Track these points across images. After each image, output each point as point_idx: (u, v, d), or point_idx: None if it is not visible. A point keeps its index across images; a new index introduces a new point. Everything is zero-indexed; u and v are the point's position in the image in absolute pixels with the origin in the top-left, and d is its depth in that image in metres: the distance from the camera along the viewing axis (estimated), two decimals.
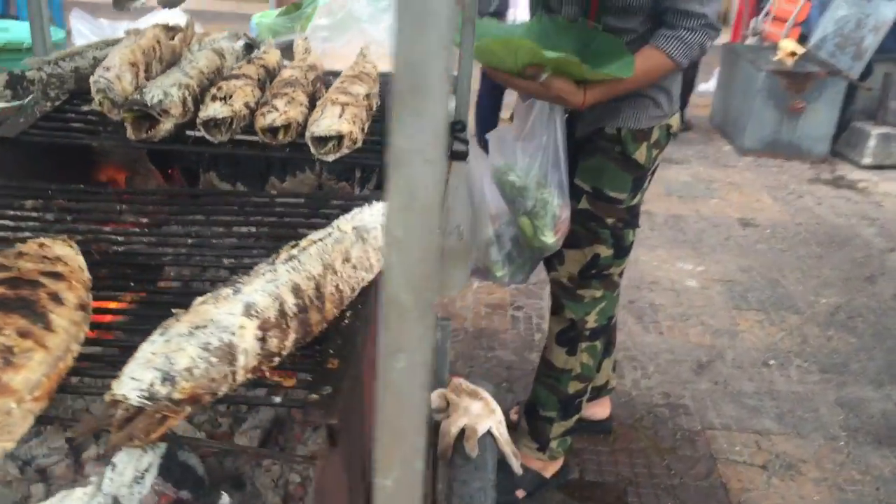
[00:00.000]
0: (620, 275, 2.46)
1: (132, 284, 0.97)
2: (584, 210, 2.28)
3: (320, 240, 0.91)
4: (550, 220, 2.24)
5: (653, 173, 2.33)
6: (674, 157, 5.78)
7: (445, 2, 0.45)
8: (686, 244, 4.42)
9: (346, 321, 0.91)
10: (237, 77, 1.44)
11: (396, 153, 0.47)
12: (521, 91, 2.07)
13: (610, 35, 2.07)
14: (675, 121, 2.26)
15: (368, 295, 0.96)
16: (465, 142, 1.95)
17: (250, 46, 1.74)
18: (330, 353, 0.85)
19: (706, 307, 3.76)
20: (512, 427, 2.78)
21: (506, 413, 2.87)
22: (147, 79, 1.43)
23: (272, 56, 1.58)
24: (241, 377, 0.77)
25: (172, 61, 1.54)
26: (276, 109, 1.38)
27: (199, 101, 1.41)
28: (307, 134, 1.34)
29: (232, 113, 1.37)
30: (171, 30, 1.57)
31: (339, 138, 1.34)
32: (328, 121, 1.35)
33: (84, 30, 1.95)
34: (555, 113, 2.23)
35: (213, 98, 1.39)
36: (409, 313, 0.51)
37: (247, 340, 0.77)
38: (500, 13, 4.37)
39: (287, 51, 2.23)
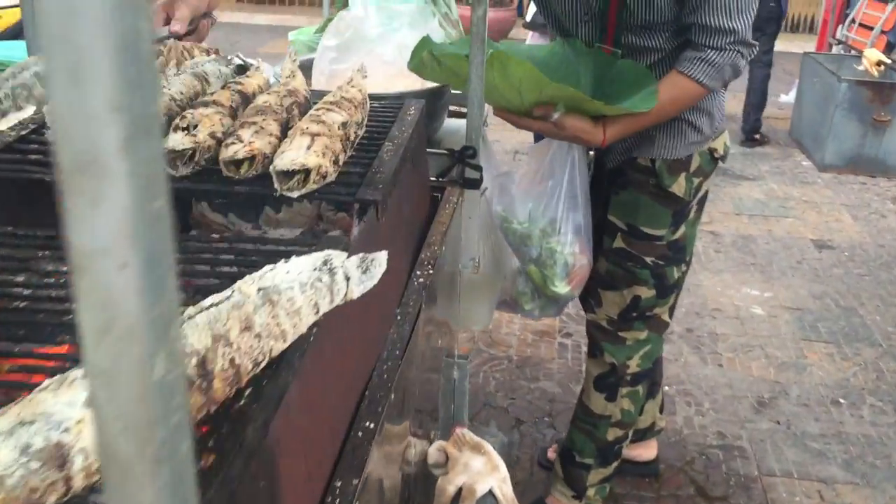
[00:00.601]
0: (670, 314, 2.26)
1: (16, 349, 0.86)
2: (620, 249, 2.10)
3: (213, 305, 0.77)
4: (562, 270, 2.08)
5: (701, 202, 2.12)
6: (746, 173, 5.48)
7: (107, 48, 0.30)
8: (754, 268, 4.15)
9: (243, 401, 0.77)
10: (206, 104, 1.33)
11: (77, 256, 0.33)
12: (535, 131, 1.90)
13: (630, 61, 1.88)
14: (720, 142, 2.05)
15: (282, 367, 0.82)
16: (478, 168, 1.80)
17: (243, 68, 1.63)
18: (209, 445, 0.72)
19: (772, 337, 3.50)
20: (548, 467, 2.61)
21: (543, 450, 2.71)
22: None
23: (253, 80, 1.47)
24: (80, 482, 0.64)
25: None
26: (240, 140, 1.25)
27: (165, 131, 1.30)
28: (271, 167, 1.22)
29: (195, 144, 1.25)
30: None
31: (307, 172, 1.21)
32: (293, 153, 1.22)
33: None
34: (573, 150, 2.06)
35: (176, 128, 1.28)
36: (134, 468, 0.37)
37: (86, 438, 0.64)
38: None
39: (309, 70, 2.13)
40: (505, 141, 5.56)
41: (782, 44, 8.52)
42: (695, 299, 3.76)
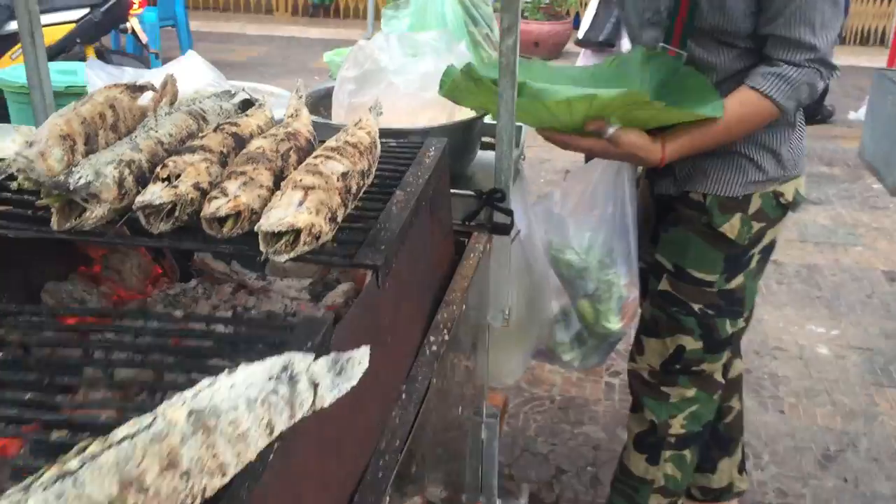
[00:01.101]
0: (723, 373, 2.04)
1: None
2: (665, 292, 1.90)
3: (126, 438, 0.61)
4: (616, 304, 1.88)
5: (765, 253, 1.90)
6: (810, 196, 5.17)
7: None
8: (820, 302, 3.87)
9: None
10: (193, 150, 1.18)
11: None
12: (585, 152, 1.72)
13: (693, 68, 1.70)
14: (790, 188, 1.83)
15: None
16: (508, 212, 1.63)
17: (249, 104, 1.49)
18: None
19: (839, 381, 3.23)
20: None
21: None
22: (91, 151, 1.20)
23: (252, 120, 1.32)
24: None
25: (136, 128, 1.30)
26: (225, 194, 1.10)
27: (147, 180, 1.16)
28: (256, 227, 1.06)
29: (175, 197, 1.11)
30: (137, 89, 1.33)
31: (297, 233, 1.05)
32: (281, 211, 1.06)
33: (100, 82, 1.77)
34: (623, 170, 1.87)
35: (156, 178, 1.13)
36: None
37: None
38: (609, 42, 3.99)
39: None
40: (556, 159, 5.36)
41: (851, 57, 8.18)
42: (754, 336, 3.51)
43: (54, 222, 1.11)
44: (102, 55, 4.99)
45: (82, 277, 1.45)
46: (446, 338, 1.28)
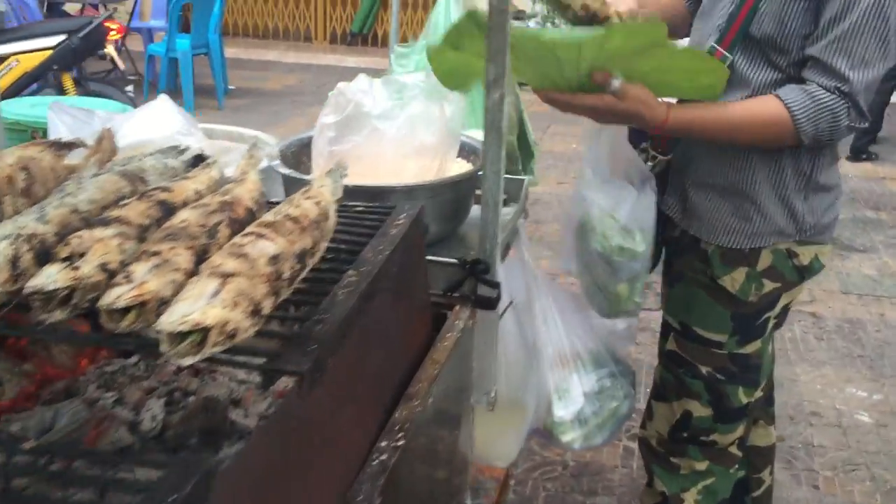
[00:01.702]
0: (739, 445, 1.85)
1: None
2: (672, 352, 1.78)
3: None
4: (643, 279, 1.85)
5: (780, 316, 1.73)
6: (855, 243, 4.91)
7: None
8: (862, 361, 3.60)
9: None
10: (106, 223, 1.02)
11: None
12: (587, 112, 1.55)
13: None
14: (809, 254, 1.65)
15: None
16: (494, 285, 1.44)
17: (200, 159, 1.32)
18: None
19: (880, 454, 2.97)
20: None
21: None
22: None
23: (189, 184, 1.15)
24: None
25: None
26: (129, 280, 0.93)
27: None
28: (154, 324, 0.89)
29: (74, 281, 0.94)
30: (63, 146, 1.18)
31: (205, 331, 0.88)
32: (186, 305, 0.89)
33: (63, 126, 1.63)
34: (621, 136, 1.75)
35: (55, 258, 0.97)
36: None
37: None
38: None
39: None
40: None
41: None
42: (789, 398, 3.26)
43: None
44: (80, 83, 4.92)
45: (8, 352, 1.30)
46: (400, 444, 1.09)
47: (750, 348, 1.74)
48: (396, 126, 1.58)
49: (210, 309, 0.89)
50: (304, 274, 1.06)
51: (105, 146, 1.24)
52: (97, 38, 5.00)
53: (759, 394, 1.82)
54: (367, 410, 1.11)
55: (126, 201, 1.08)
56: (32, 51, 4.66)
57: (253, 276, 0.95)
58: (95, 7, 8.03)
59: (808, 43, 1.50)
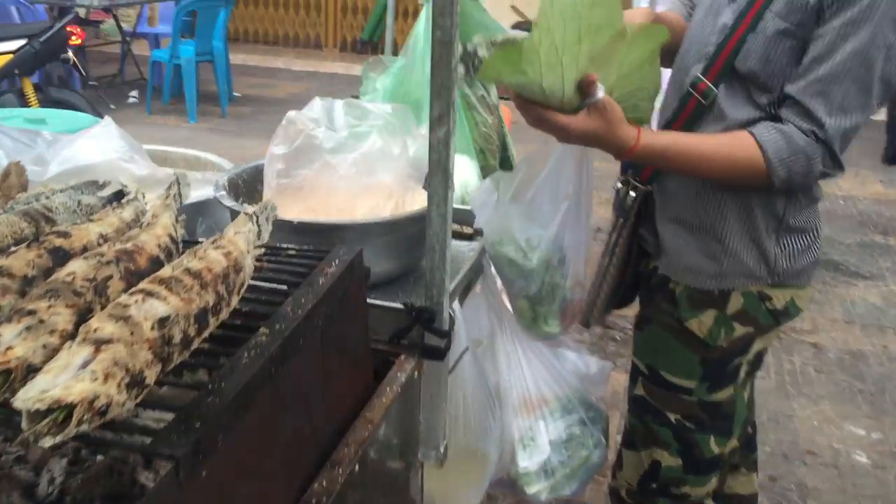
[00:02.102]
0: (714, 497, 1.75)
1: None
2: (640, 398, 1.70)
3: None
4: (558, 306, 1.73)
5: (754, 364, 1.64)
6: (861, 270, 4.76)
7: None
8: (862, 397, 3.47)
9: None
10: None
11: None
12: (552, 132, 1.44)
13: None
14: (783, 297, 1.55)
15: None
16: (442, 334, 1.33)
17: (121, 195, 1.22)
18: None
19: (877, 499, 2.83)
20: None
21: None
22: None
23: (95, 227, 1.05)
24: None
25: None
26: None
27: None
28: (13, 398, 0.79)
29: None
30: None
31: (70, 408, 0.78)
32: (48, 378, 0.79)
33: (0, 151, 1.52)
34: (584, 158, 1.70)
35: None
36: None
37: None
38: None
39: None
40: None
41: None
42: (783, 435, 3.13)
43: None
44: (41, 88, 4.83)
45: None
46: None
47: (721, 395, 1.64)
48: (350, 161, 1.48)
49: (76, 383, 0.79)
50: (206, 334, 0.95)
51: (11, 182, 1.14)
52: (59, 42, 4.88)
53: (733, 443, 1.72)
54: (279, 486, 1.01)
55: (14, 248, 0.98)
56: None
57: (133, 342, 0.84)
58: (107, 11, 7.99)
59: (789, 81, 1.41)
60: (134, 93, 8.02)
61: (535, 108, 1.38)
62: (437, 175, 1.22)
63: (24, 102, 4.43)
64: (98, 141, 1.60)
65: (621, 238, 1.69)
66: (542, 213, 1.67)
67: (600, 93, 1.37)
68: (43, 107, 4.47)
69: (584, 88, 1.36)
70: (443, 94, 1.19)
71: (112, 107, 7.50)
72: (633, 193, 1.67)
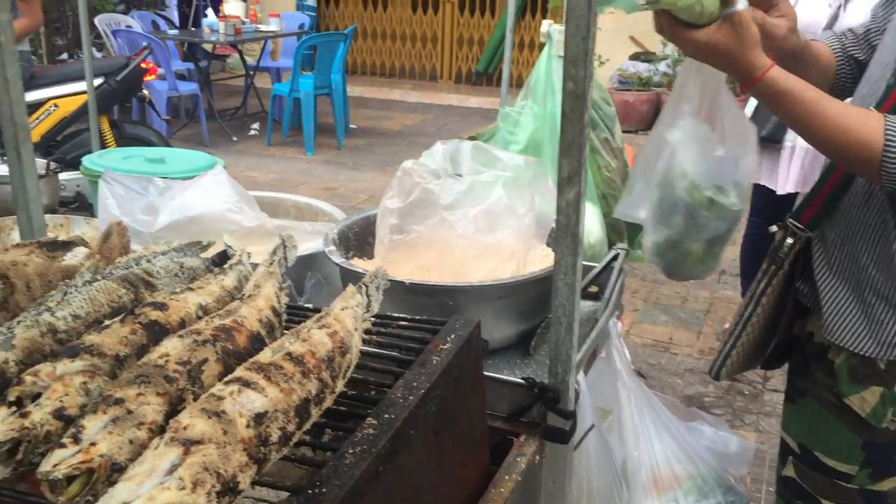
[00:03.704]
0: None
1: None
2: (789, 479, 1.51)
3: None
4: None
5: None
6: None
7: None
8: None
9: None
10: (74, 353, 0.84)
11: None
12: (683, 42, 1.30)
13: None
14: None
15: None
16: (567, 416, 1.19)
17: (225, 258, 1.14)
18: None
19: None
20: None
21: None
22: None
23: (194, 297, 0.96)
24: None
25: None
26: (76, 440, 0.75)
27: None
28: None
29: (19, 433, 0.77)
30: (59, 247, 1.02)
31: None
32: (129, 488, 0.70)
33: (112, 200, 1.50)
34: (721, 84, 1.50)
35: (2, 400, 0.80)
36: None
37: None
38: (773, 139, 3.44)
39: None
40: None
41: None
42: None
43: None
44: (117, 125, 4.88)
45: None
46: None
47: (886, 485, 1.44)
48: (469, 218, 1.37)
49: (161, 493, 0.69)
50: (306, 426, 0.85)
51: (113, 243, 1.08)
52: (135, 79, 4.94)
53: None
54: None
55: (108, 322, 0.91)
56: (70, 95, 4.63)
57: (227, 443, 0.75)
58: (233, 46, 8.26)
59: None
60: (255, 125, 8.22)
61: (675, 25, 1.27)
62: (566, 240, 1.09)
63: (101, 140, 4.54)
64: (208, 190, 1.54)
65: (770, 287, 1.51)
66: (712, 145, 1.51)
67: (741, 4, 1.24)
68: (119, 143, 4.54)
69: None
70: (573, 152, 1.06)
71: (234, 139, 7.71)
72: (790, 240, 1.48)
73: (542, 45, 2.33)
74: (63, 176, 3.93)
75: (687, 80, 1.50)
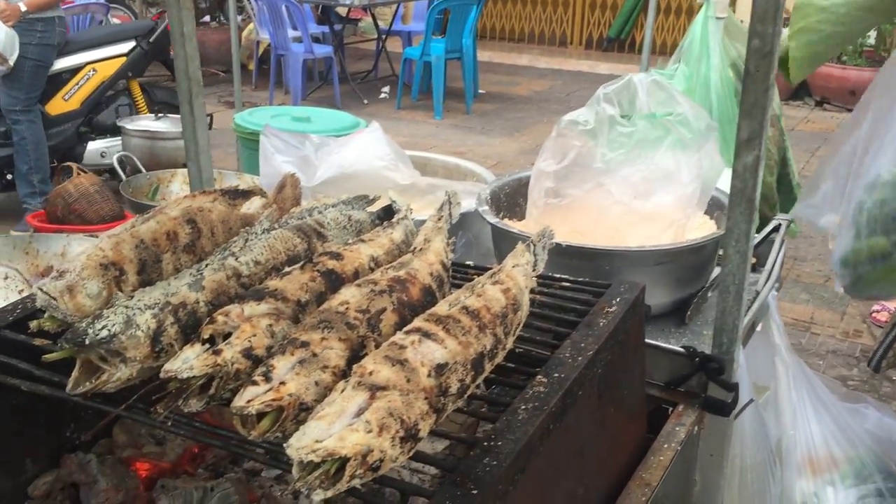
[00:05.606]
0: None
1: None
2: None
3: None
4: None
5: None
6: None
7: None
8: None
9: None
10: (260, 297, 0.88)
11: None
12: None
13: None
14: None
15: None
16: (730, 387, 1.16)
17: (390, 212, 1.16)
18: None
19: None
20: None
21: None
22: (147, 282, 0.94)
23: (367, 248, 0.98)
24: None
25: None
26: (267, 379, 0.78)
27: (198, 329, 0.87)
28: (286, 444, 0.73)
29: (212, 369, 0.81)
30: (239, 195, 1.06)
31: (343, 460, 0.71)
32: (321, 426, 0.72)
33: (273, 151, 1.55)
34: None
35: (197, 339, 0.84)
36: None
37: None
38: None
39: None
40: None
41: None
42: None
43: (70, 381, 0.86)
44: (146, 90, 4.86)
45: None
46: None
47: None
48: (628, 184, 1.33)
49: (350, 434, 0.72)
50: (480, 380, 0.86)
51: (286, 194, 1.11)
52: (164, 42, 4.94)
53: None
54: None
55: (288, 269, 0.94)
56: (107, 59, 4.65)
57: (410, 390, 0.76)
58: (366, 9, 8.35)
59: None
60: (385, 88, 8.31)
61: None
62: (741, 206, 1.05)
63: (132, 103, 4.54)
64: (365, 146, 1.57)
65: None
66: None
67: None
68: (150, 109, 4.53)
69: None
70: (755, 114, 1.01)
71: (365, 101, 7.82)
72: None
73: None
74: (102, 143, 3.99)
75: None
